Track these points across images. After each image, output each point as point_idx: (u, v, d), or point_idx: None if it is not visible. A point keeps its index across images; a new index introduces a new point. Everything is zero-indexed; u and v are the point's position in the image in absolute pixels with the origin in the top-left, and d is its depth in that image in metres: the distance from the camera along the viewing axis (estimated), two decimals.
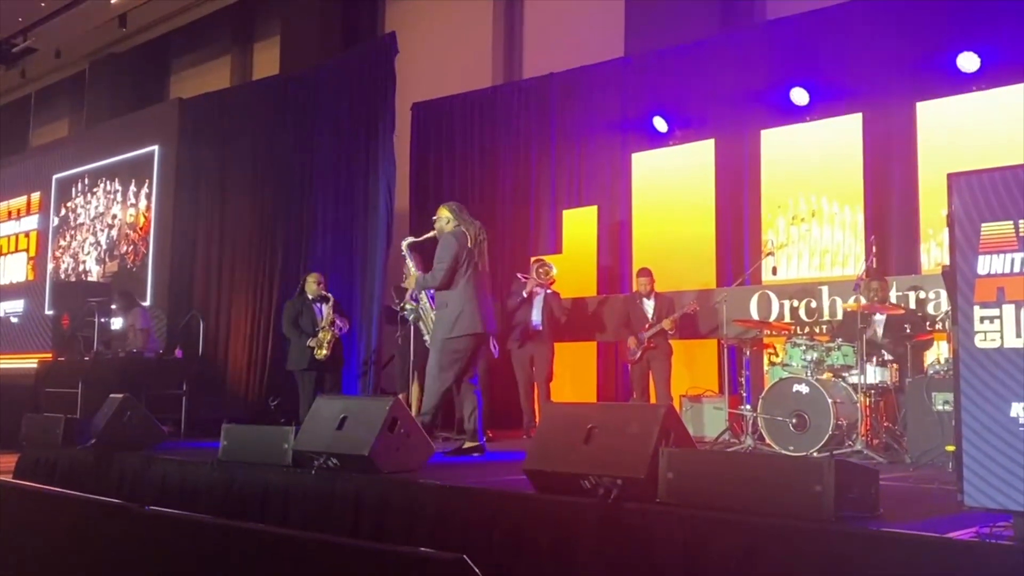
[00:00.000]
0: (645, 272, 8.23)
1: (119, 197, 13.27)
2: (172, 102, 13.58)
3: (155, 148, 12.61)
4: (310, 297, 8.29)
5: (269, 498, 5.07)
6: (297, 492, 4.94)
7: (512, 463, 4.94)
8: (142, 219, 12.79)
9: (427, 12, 12.59)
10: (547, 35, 11.56)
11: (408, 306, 7.64)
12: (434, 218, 6.37)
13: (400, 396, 7.97)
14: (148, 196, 12.67)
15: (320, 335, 8.08)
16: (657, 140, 9.41)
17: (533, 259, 8.90)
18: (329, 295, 8.26)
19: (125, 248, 13.05)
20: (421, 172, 11.24)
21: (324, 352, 8.06)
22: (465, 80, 11.29)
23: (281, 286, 10.68)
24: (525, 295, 8.26)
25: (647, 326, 7.99)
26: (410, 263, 6.70)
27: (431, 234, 6.43)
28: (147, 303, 11.78)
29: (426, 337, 7.01)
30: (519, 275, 8.42)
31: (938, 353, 6.79)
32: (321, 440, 5.03)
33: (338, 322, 8.18)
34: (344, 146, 10.21)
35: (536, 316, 8.28)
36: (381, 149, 9.57)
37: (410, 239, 6.88)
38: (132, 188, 13.00)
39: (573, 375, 9.36)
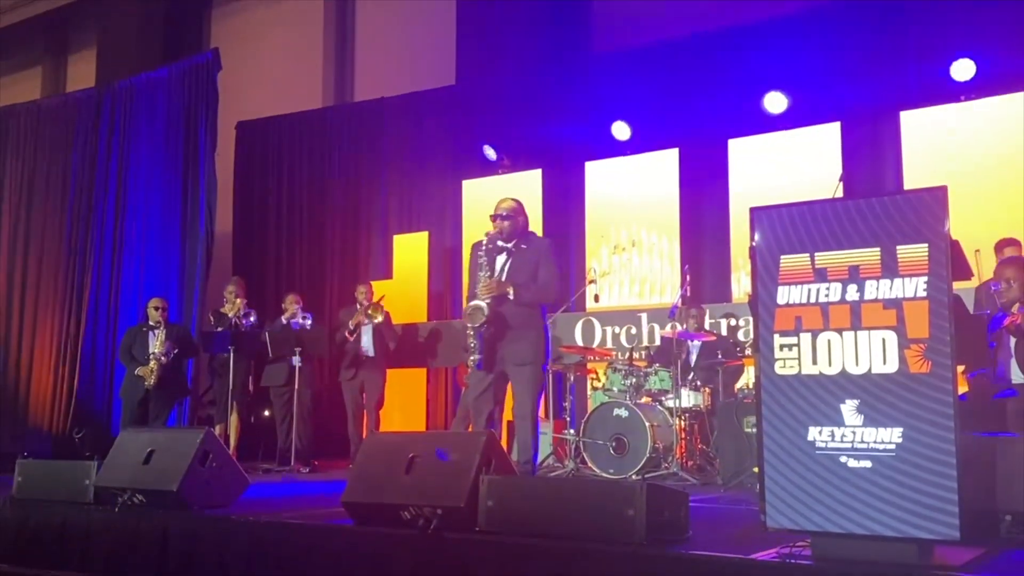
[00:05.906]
0: None
1: None
2: None
3: None
4: (151, 324, 7.85)
5: (67, 539, 4.72)
6: (99, 532, 4.62)
7: (333, 495, 4.81)
8: None
9: (255, 29, 12.27)
10: (379, 59, 11.49)
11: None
12: (505, 212, 5.09)
13: (218, 427, 7.64)
14: None
15: (151, 364, 7.65)
16: (487, 168, 9.51)
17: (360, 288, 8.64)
18: (159, 322, 7.80)
19: None
20: (245, 194, 10.90)
21: (150, 383, 7.61)
22: (294, 101, 11.04)
23: (90, 310, 10.03)
24: (352, 328, 8.09)
25: None
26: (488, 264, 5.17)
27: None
28: None
29: (470, 361, 5.11)
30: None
31: (747, 378, 7.13)
32: (126, 475, 4.74)
33: (164, 348, 7.71)
34: (162, 164, 9.72)
35: (367, 343, 8.14)
36: (202, 168, 9.19)
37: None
38: None
39: (403, 402, 9.25)
